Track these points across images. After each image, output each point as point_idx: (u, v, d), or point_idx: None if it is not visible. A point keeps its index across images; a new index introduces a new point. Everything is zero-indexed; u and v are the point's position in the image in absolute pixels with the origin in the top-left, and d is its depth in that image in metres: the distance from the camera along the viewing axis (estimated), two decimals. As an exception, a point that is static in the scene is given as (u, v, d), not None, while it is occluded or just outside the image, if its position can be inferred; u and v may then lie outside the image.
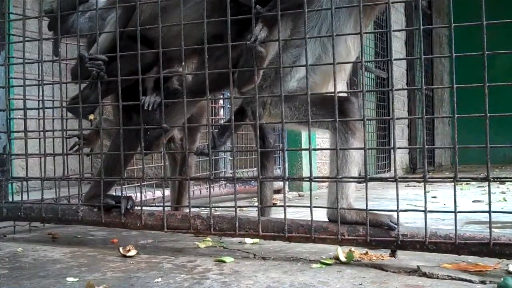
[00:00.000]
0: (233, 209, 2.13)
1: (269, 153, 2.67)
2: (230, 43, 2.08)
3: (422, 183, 1.90)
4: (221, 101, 4.40)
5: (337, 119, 1.96)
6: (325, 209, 2.10)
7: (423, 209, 1.87)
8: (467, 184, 5.53)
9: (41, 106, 2.57)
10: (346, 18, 2.14)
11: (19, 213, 2.57)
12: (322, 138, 6.02)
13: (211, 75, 2.10)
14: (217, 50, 2.15)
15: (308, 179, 2.01)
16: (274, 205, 4.02)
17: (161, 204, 2.35)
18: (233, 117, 2.09)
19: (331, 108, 2.01)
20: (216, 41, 2.08)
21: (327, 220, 2.09)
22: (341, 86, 2.27)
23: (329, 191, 2.11)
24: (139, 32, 2.24)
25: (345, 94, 1.98)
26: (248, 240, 2.42)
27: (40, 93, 2.57)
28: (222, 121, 4.20)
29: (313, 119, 2.04)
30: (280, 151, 5.13)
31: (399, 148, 1.93)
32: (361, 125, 2.06)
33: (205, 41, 2.08)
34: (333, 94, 1.97)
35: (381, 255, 2.06)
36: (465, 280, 1.74)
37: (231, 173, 4.39)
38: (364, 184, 1.97)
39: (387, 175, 7.20)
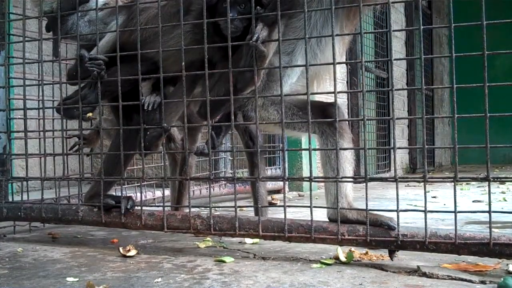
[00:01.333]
0: (233, 209, 2.13)
1: (259, 152, 2.72)
2: (230, 43, 2.09)
3: (422, 183, 1.90)
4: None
5: (337, 120, 1.97)
6: (325, 209, 2.10)
7: (423, 209, 1.87)
8: (467, 184, 5.53)
9: (41, 106, 2.57)
10: (334, 24, 2.15)
11: (19, 213, 2.57)
12: (322, 138, 6.01)
13: (211, 100, 2.15)
14: (210, 78, 2.20)
15: (308, 179, 2.01)
16: (274, 205, 4.04)
17: (161, 204, 2.35)
18: (232, 117, 2.09)
19: (317, 113, 2.03)
20: (203, 66, 2.12)
21: (328, 220, 2.09)
22: (327, 89, 2.30)
23: (327, 192, 2.12)
24: (139, 30, 2.26)
25: (332, 100, 2.00)
26: (248, 240, 2.42)
27: (40, 93, 2.57)
28: None
29: (295, 119, 2.06)
30: (280, 151, 5.14)
31: (399, 148, 1.94)
32: (348, 127, 2.07)
33: (205, 40, 2.09)
34: (320, 100, 1.99)
35: (381, 255, 2.06)
36: (465, 280, 1.74)
37: (231, 173, 4.40)
38: (364, 184, 1.97)
39: (387, 175, 7.20)
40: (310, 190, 2.06)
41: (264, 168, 2.78)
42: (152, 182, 3.57)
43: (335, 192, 2.00)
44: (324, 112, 2.05)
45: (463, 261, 1.96)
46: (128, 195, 2.46)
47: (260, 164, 2.70)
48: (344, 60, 2.27)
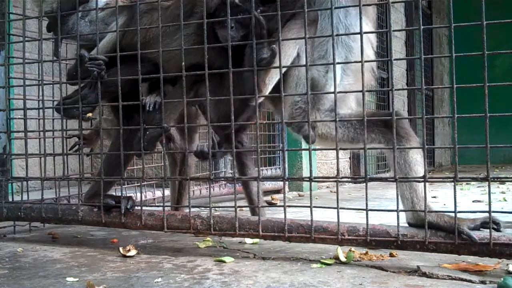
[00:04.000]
0: (233, 209, 2.13)
1: (246, 152, 2.81)
2: (230, 43, 2.09)
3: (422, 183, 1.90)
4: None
5: (337, 119, 1.97)
6: (326, 209, 2.10)
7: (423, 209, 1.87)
8: (467, 184, 5.53)
9: (41, 106, 2.57)
10: (356, 13, 2.12)
11: (19, 213, 2.57)
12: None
13: (225, 108, 2.17)
14: (219, 91, 2.25)
15: (308, 179, 2.01)
16: (274, 205, 4.04)
17: (161, 204, 2.35)
18: (232, 117, 2.09)
19: (380, 124, 1.97)
20: (202, 69, 2.13)
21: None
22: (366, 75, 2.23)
23: (402, 197, 1.98)
24: (139, 31, 2.26)
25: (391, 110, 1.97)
26: (248, 240, 2.42)
27: (40, 93, 2.57)
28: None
29: (359, 133, 2.06)
30: (280, 151, 5.14)
31: (399, 148, 1.94)
32: (411, 128, 2.00)
33: (205, 41, 2.10)
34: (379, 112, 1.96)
35: (381, 255, 2.07)
36: (465, 280, 1.74)
37: (231, 173, 4.39)
38: (364, 184, 1.97)
39: (387, 175, 7.19)
40: (310, 190, 2.06)
41: (252, 166, 2.86)
42: (152, 182, 3.57)
43: (410, 196, 1.96)
44: (385, 121, 1.99)
45: (463, 261, 1.96)
46: (128, 195, 2.46)
47: (249, 163, 2.78)
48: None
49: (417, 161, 2.00)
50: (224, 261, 2.03)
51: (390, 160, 2.01)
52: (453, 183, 1.83)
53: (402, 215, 1.94)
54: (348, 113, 2.15)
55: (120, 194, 2.38)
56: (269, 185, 4.86)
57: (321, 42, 2.15)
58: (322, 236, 2.03)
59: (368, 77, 2.18)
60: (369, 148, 2.03)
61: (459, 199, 1.87)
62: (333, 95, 2.00)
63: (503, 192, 4.96)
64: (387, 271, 1.87)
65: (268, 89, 2.13)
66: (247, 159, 2.83)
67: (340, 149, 2.00)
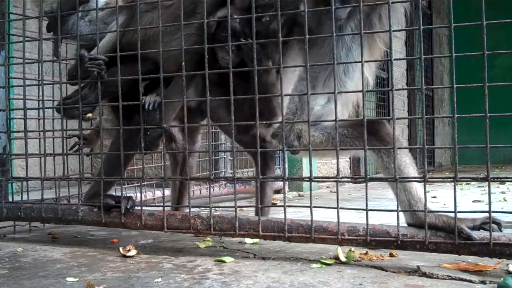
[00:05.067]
0: (233, 209, 2.13)
1: (271, 152, 2.73)
2: (230, 43, 2.09)
3: (422, 183, 1.90)
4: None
5: (337, 120, 1.97)
6: (326, 209, 2.10)
7: (423, 209, 1.87)
8: (467, 184, 5.53)
9: (41, 106, 2.57)
10: (357, 48, 2.14)
11: (19, 213, 2.57)
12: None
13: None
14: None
15: (308, 179, 2.01)
16: (274, 205, 4.03)
17: (161, 204, 2.35)
18: (233, 117, 2.09)
19: (368, 131, 1.96)
20: (201, 63, 2.14)
21: (327, 222, 2.08)
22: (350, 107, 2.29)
23: (399, 198, 1.96)
24: (139, 31, 2.26)
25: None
26: (248, 240, 2.42)
27: (40, 93, 2.57)
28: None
29: (347, 141, 2.07)
30: (280, 151, 5.14)
31: (399, 148, 1.94)
32: (397, 137, 1.99)
33: (205, 40, 2.10)
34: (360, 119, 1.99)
35: (381, 255, 2.07)
36: (465, 280, 1.74)
37: (231, 173, 4.40)
38: (364, 184, 1.97)
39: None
40: (310, 190, 2.05)
41: (273, 168, 2.81)
42: (152, 182, 3.57)
43: (407, 198, 1.97)
44: (374, 131, 2.00)
45: (463, 261, 1.96)
46: (128, 195, 2.46)
47: (271, 164, 2.74)
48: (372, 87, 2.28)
49: (406, 164, 2.00)
50: (224, 261, 2.04)
51: (379, 164, 2.05)
52: (453, 183, 1.83)
53: (402, 215, 1.94)
54: (342, 122, 2.18)
55: (120, 194, 2.38)
56: (269, 185, 4.86)
57: (314, 69, 2.13)
58: (322, 236, 2.03)
59: (350, 109, 2.23)
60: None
61: (459, 199, 1.87)
62: (317, 110, 2.05)
63: (503, 192, 4.96)
64: (387, 271, 1.87)
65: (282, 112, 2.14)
66: (270, 159, 2.76)
67: (341, 149, 2.00)
